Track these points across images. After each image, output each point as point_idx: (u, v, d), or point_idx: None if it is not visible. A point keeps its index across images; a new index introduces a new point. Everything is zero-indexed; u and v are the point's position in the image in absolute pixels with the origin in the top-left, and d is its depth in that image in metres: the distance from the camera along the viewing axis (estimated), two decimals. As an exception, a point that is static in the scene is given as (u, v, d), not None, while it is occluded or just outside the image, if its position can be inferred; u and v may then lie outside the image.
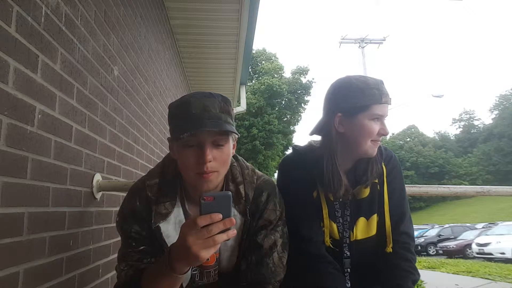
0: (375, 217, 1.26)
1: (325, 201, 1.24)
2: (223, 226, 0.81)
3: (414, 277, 1.18)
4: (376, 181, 1.26)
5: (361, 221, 1.25)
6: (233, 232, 0.83)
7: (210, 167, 0.97)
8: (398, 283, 1.16)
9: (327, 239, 1.24)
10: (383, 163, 1.28)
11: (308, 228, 1.22)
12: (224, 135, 0.99)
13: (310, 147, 1.33)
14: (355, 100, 1.18)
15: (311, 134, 1.31)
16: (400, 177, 1.32)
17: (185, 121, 0.96)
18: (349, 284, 1.24)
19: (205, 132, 0.95)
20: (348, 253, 1.25)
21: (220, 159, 0.99)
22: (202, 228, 0.80)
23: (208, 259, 1.12)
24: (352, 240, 1.25)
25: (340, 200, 1.26)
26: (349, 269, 1.25)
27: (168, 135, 1.09)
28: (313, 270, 1.18)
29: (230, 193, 0.85)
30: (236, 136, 1.05)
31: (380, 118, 1.20)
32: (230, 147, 1.03)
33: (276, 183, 1.30)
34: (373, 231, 1.26)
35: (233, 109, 1.06)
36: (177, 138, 0.97)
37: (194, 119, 0.96)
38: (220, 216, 0.80)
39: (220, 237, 0.81)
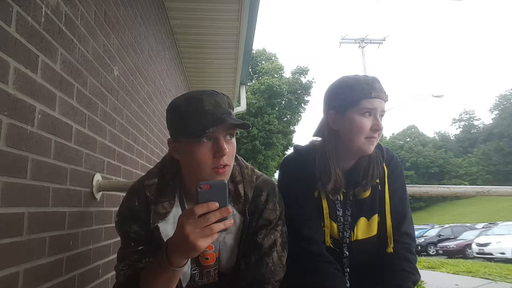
0: (376, 217, 1.25)
1: (326, 201, 1.24)
2: (220, 215, 0.82)
3: (414, 277, 1.18)
4: (378, 181, 1.27)
5: (362, 221, 1.25)
6: (230, 222, 0.84)
7: (226, 160, 0.99)
8: (398, 283, 1.16)
9: (328, 239, 1.24)
10: (384, 164, 1.28)
11: (309, 228, 1.22)
12: (235, 128, 1.01)
13: (311, 146, 1.33)
14: (344, 96, 1.21)
15: (313, 136, 1.33)
16: (401, 178, 1.32)
17: (202, 117, 0.97)
18: (349, 284, 1.24)
19: (222, 126, 0.97)
20: (347, 253, 1.26)
21: (231, 153, 1.02)
22: (199, 217, 0.81)
23: (207, 258, 1.12)
24: (352, 240, 1.25)
25: (339, 199, 1.26)
26: (348, 269, 1.25)
27: (168, 139, 1.10)
28: (314, 270, 1.18)
29: (225, 181, 0.86)
30: (238, 132, 1.07)
31: (371, 112, 1.19)
32: (235, 141, 1.05)
33: (276, 183, 1.31)
34: (374, 231, 1.25)
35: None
36: (199, 134, 0.96)
37: (210, 115, 0.97)
38: (217, 204, 0.82)
39: (217, 226, 0.82)
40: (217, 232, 0.83)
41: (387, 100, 1.22)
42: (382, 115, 1.21)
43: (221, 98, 1.02)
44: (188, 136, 0.99)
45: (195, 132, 0.96)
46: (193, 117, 0.99)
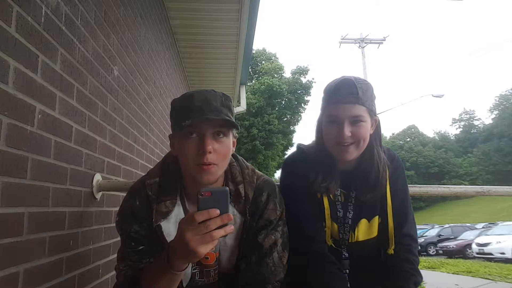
0: (376, 219, 1.25)
1: (328, 202, 1.24)
2: (221, 221, 0.81)
3: (416, 279, 1.17)
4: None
5: (363, 222, 1.25)
6: (230, 228, 0.83)
7: (210, 158, 0.98)
8: (399, 284, 1.15)
9: (329, 239, 1.24)
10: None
11: (312, 227, 1.21)
12: (225, 127, 1.01)
13: (314, 145, 1.32)
14: (322, 100, 1.22)
15: None
16: (403, 178, 1.30)
17: (187, 111, 0.99)
18: (348, 285, 1.23)
19: (206, 122, 0.97)
20: (347, 254, 1.25)
21: (220, 152, 1.01)
22: (200, 223, 0.80)
23: (207, 258, 1.12)
24: (352, 241, 1.24)
25: (340, 200, 1.26)
26: (348, 270, 1.25)
27: (169, 134, 1.10)
28: (316, 269, 1.17)
29: (227, 188, 0.85)
30: (236, 132, 1.07)
31: (336, 120, 1.16)
32: (230, 142, 1.05)
33: (279, 182, 1.31)
34: (375, 232, 1.25)
35: (233, 106, 1.07)
36: (179, 127, 0.99)
37: (196, 110, 0.98)
38: (218, 211, 0.81)
39: (218, 233, 0.81)
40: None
41: (359, 103, 1.13)
42: (355, 121, 1.14)
43: (213, 96, 1.02)
44: (174, 129, 1.04)
45: (177, 126, 1.00)
46: (181, 112, 1.01)
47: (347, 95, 1.14)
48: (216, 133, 1.00)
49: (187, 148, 0.99)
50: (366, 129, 1.17)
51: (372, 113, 1.18)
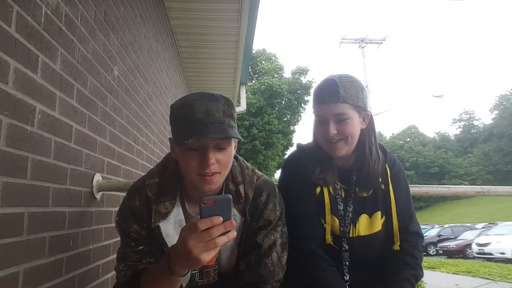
0: (378, 214, 1.27)
1: (328, 197, 1.26)
2: (224, 228, 0.80)
3: (416, 272, 1.20)
4: (380, 180, 1.28)
5: (363, 217, 1.27)
6: (233, 234, 0.82)
7: (213, 169, 0.98)
8: (397, 273, 1.18)
9: (328, 236, 1.24)
10: (387, 165, 1.30)
11: (309, 226, 1.23)
12: (227, 139, 0.99)
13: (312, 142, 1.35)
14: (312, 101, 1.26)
15: None
16: (404, 180, 1.35)
17: (188, 125, 0.96)
18: (348, 277, 1.24)
19: (203, 138, 0.95)
20: (347, 247, 1.26)
21: (222, 161, 1.00)
22: (202, 231, 0.79)
23: (207, 259, 1.12)
24: (354, 236, 1.25)
25: (340, 194, 1.27)
26: (347, 262, 1.25)
27: (169, 135, 1.10)
28: (311, 267, 1.18)
29: (230, 196, 0.85)
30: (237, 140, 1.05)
31: (321, 119, 1.21)
32: (232, 149, 1.04)
33: (279, 182, 1.32)
34: (376, 227, 1.27)
35: (235, 111, 1.06)
36: (180, 143, 0.97)
37: (197, 124, 0.95)
38: (221, 219, 0.80)
39: (221, 240, 0.80)
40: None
41: (340, 101, 1.16)
42: (340, 119, 1.18)
43: (215, 105, 0.98)
44: (174, 139, 1.02)
45: (179, 140, 0.97)
46: (182, 124, 0.99)
47: (329, 95, 1.18)
48: (218, 145, 0.99)
49: (189, 160, 0.98)
50: (353, 126, 1.20)
51: (358, 109, 1.21)
